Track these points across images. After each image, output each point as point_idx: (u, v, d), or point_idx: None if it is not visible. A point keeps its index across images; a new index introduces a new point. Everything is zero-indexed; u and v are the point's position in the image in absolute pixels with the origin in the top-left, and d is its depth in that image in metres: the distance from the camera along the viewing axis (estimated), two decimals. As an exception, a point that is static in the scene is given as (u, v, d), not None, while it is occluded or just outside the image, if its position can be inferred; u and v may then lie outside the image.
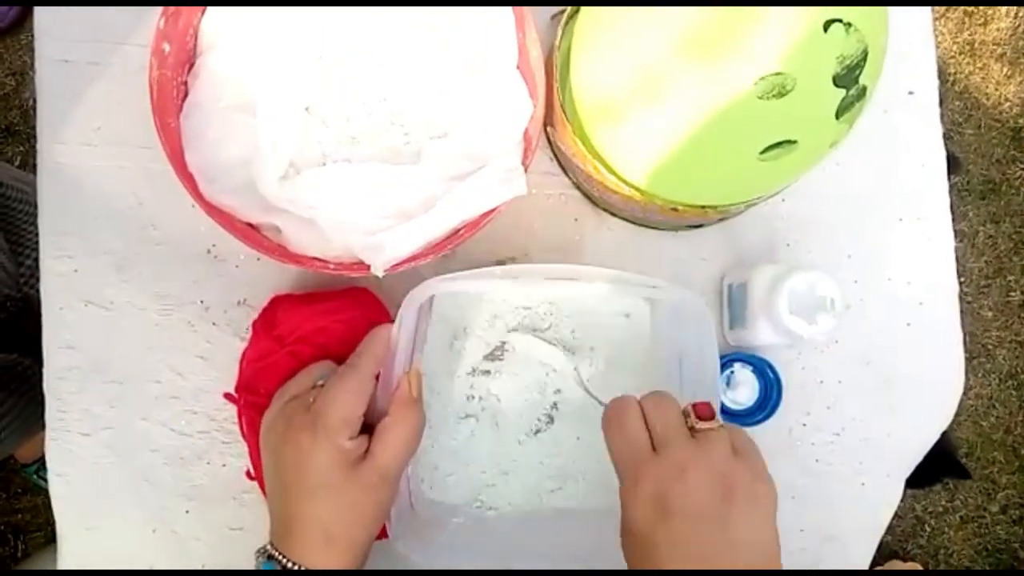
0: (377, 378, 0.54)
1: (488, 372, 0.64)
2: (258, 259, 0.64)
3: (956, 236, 0.69)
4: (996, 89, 1.63)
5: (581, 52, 0.53)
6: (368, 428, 0.53)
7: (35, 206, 0.65)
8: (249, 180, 0.56)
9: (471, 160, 0.58)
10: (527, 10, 0.57)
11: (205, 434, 0.64)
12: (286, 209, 0.55)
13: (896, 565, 1.46)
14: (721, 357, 0.65)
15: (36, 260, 1.09)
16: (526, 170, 0.57)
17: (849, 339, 0.68)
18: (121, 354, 0.64)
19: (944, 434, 0.69)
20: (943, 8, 1.63)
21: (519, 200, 0.56)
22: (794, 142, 0.48)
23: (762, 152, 0.49)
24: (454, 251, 0.57)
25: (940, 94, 0.70)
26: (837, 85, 0.47)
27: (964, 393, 0.70)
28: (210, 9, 0.58)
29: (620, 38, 0.51)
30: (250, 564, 0.61)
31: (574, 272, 0.57)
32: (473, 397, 0.64)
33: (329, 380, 0.53)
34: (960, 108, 1.62)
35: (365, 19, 0.59)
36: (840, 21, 0.46)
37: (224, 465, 0.64)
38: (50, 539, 1.40)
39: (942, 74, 0.70)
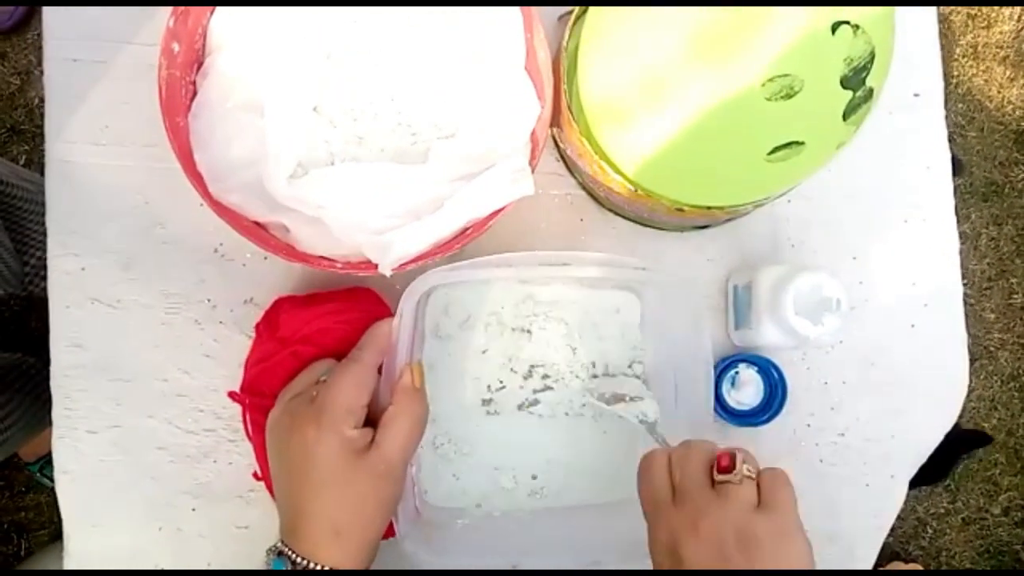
0: (379, 371, 0.55)
1: (491, 373, 0.65)
2: (265, 258, 0.64)
3: (959, 238, 0.69)
4: (999, 92, 1.63)
5: (588, 53, 0.53)
6: (371, 423, 0.53)
7: (40, 205, 0.65)
8: (257, 179, 0.56)
9: (478, 160, 0.58)
10: (535, 11, 0.57)
11: (211, 432, 0.64)
12: (294, 208, 0.55)
13: (898, 566, 1.46)
14: (726, 358, 0.65)
15: (40, 259, 1.10)
16: (533, 170, 0.58)
17: (854, 340, 0.68)
18: (128, 352, 0.64)
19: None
20: (947, 10, 1.63)
21: (525, 200, 0.57)
22: (801, 143, 0.49)
23: (769, 153, 0.49)
24: (461, 250, 0.57)
25: (944, 96, 0.70)
26: (844, 87, 0.47)
27: (966, 395, 0.70)
28: (219, 9, 0.58)
29: (627, 40, 0.52)
30: (256, 562, 0.61)
31: (567, 258, 0.59)
32: (477, 394, 0.64)
33: (331, 373, 0.53)
34: (963, 110, 1.62)
35: (373, 19, 0.59)
36: (848, 23, 0.46)
37: (230, 463, 0.64)
38: (54, 537, 1.41)
39: (945, 76, 0.70)
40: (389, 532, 0.56)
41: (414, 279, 0.56)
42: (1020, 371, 1.57)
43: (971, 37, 1.64)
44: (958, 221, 0.70)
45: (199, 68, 0.59)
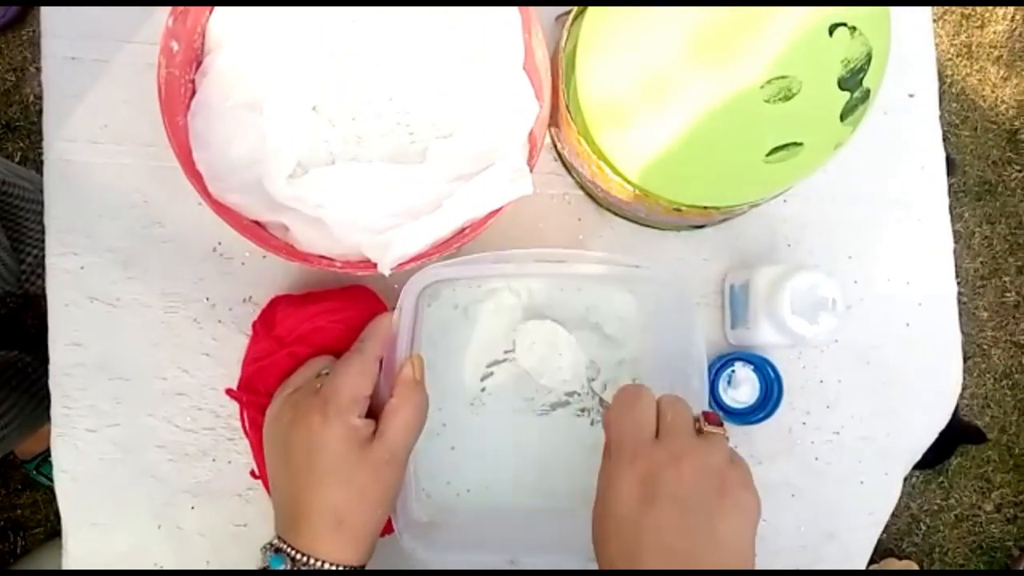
0: (380, 365, 0.55)
1: (489, 368, 0.65)
2: (264, 257, 0.65)
3: (952, 237, 0.70)
4: (992, 91, 1.64)
5: (586, 53, 0.54)
6: (371, 416, 0.54)
7: (36, 203, 0.66)
8: (256, 179, 0.56)
9: (477, 160, 0.58)
10: (533, 11, 0.57)
11: (210, 430, 0.64)
12: (293, 208, 0.56)
13: (892, 564, 1.47)
14: (722, 356, 0.66)
15: (37, 257, 1.10)
16: (532, 170, 0.58)
17: (849, 339, 0.68)
18: (127, 351, 0.64)
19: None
20: (941, 10, 1.64)
21: (523, 200, 0.57)
22: (799, 144, 0.49)
23: (768, 154, 0.49)
24: (459, 250, 0.57)
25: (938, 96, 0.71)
26: (842, 88, 0.48)
27: (959, 393, 0.71)
28: (219, 8, 0.59)
29: (626, 40, 0.52)
30: (255, 560, 0.61)
31: (563, 255, 0.60)
32: (472, 391, 0.65)
33: (336, 364, 0.54)
34: (957, 110, 1.63)
35: (372, 19, 0.59)
36: (845, 25, 0.46)
37: (229, 461, 0.64)
38: (50, 535, 1.41)
39: (939, 76, 0.71)
40: (387, 529, 0.57)
41: (407, 276, 0.56)
42: (1013, 369, 1.58)
43: (965, 37, 1.64)
44: (951, 220, 0.70)
45: (198, 67, 0.59)
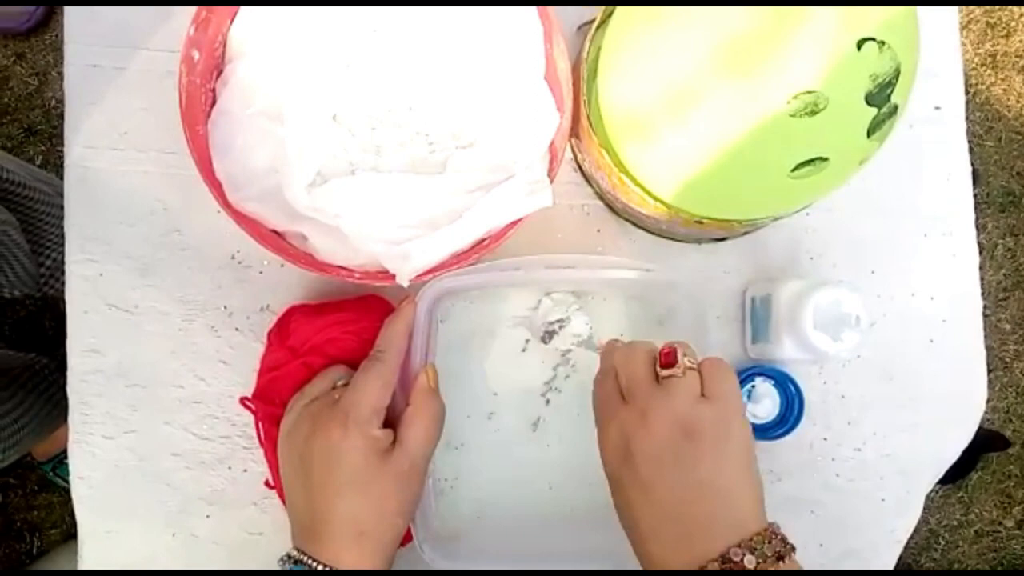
0: None
1: (501, 377, 0.65)
2: (282, 265, 0.64)
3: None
4: (1018, 101, 1.62)
5: (609, 64, 0.53)
6: (386, 425, 0.54)
7: (56, 207, 0.66)
8: (276, 188, 0.56)
9: (496, 171, 0.58)
10: (555, 21, 0.57)
11: (226, 439, 0.64)
12: (312, 217, 0.55)
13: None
14: (742, 371, 0.65)
15: (56, 260, 1.10)
16: (552, 182, 0.58)
17: (872, 354, 0.67)
18: (144, 358, 0.64)
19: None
20: (965, 19, 1.62)
21: (542, 211, 0.57)
22: (825, 159, 0.48)
23: (793, 170, 0.48)
24: (478, 261, 0.57)
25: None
26: (869, 103, 0.47)
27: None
28: (239, 17, 0.59)
29: (649, 51, 0.51)
30: (269, 570, 0.61)
31: (574, 261, 0.60)
32: (487, 401, 0.64)
33: (355, 375, 0.54)
34: (981, 120, 1.61)
35: (392, 28, 0.59)
36: (874, 40, 0.46)
37: (245, 470, 0.64)
38: (66, 536, 1.41)
39: (963, 86, 0.70)
40: (405, 539, 0.57)
41: (421, 287, 0.56)
42: (1035, 382, 1.56)
43: (989, 46, 1.63)
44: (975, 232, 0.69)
45: (219, 76, 0.59)
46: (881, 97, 0.47)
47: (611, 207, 0.66)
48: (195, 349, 0.64)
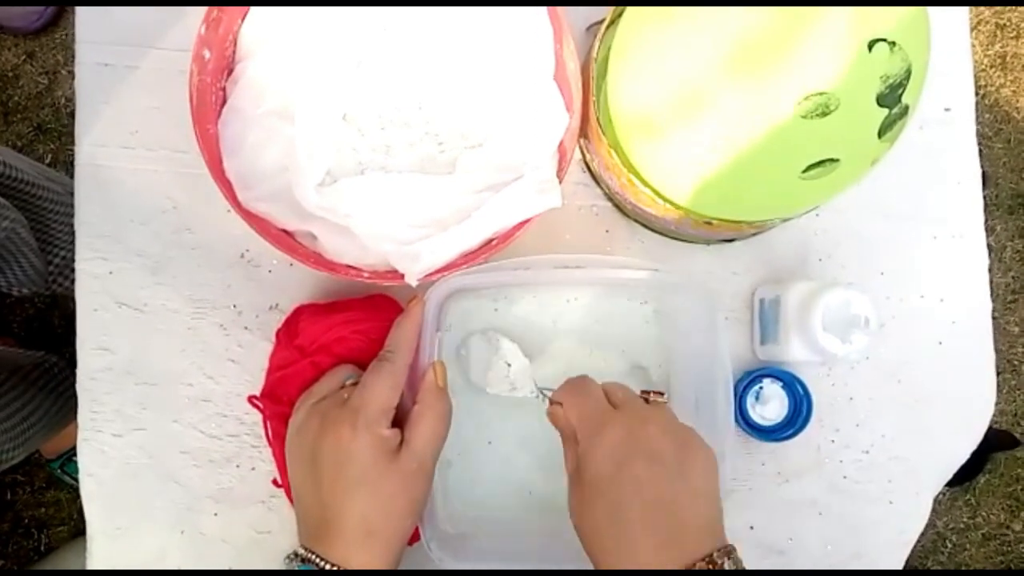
0: None
1: (507, 378, 0.64)
2: (291, 264, 0.65)
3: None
4: (1027, 103, 1.62)
5: (619, 65, 0.53)
6: (394, 424, 0.54)
7: (65, 205, 0.66)
8: (286, 187, 0.56)
9: (505, 171, 0.58)
10: (565, 21, 0.57)
11: (235, 437, 0.64)
12: (322, 217, 0.56)
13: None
14: (750, 372, 0.65)
15: (65, 258, 1.11)
16: (561, 182, 0.58)
17: (880, 356, 0.67)
18: (154, 356, 0.64)
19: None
20: (975, 21, 1.62)
21: (551, 211, 0.57)
22: (836, 161, 0.48)
23: (804, 171, 0.48)
24: (486, 261, 0.57)
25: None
26: (880, 104, 0.47)
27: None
28: (251, 16, 0.59)
29: (659, 51, 0.51)
30: (276, 568, 0.61)
31: (582, 260, 0.60)
32: (494, 401, 0.64)
33: (365, 375, 0.54)
34: (990, 121, 1.60)
35: (402, 28, 0.59)
36: (885, 40, 0.45)
37: (253, 468, 0.64)
38: (73, 534, 1.42)
39: (973, 87, 0.70)
40: (413, 538, 0.57)
41: (429, 287, 0.57)
42: (1044, 385, 1.55)
43: (999, 47, 1.62)
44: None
45: (229, 75, 0.59)
46: (892, 98, 0.47)
47: (620, 208, 0.66)
48: (204, 347, 0.64)
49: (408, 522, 0.53)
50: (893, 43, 0.46)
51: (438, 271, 0.56)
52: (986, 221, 0.69)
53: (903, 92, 0.47)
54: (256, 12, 0.59)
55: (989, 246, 0.68)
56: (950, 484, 0.69)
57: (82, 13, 0.66)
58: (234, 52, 0.60)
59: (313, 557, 0.50)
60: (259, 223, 0.56)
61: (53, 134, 1.47)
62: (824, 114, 0.46)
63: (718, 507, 0.49)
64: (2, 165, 0.95)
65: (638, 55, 0.52)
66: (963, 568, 1.55)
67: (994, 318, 0.69)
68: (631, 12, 0.52)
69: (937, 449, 0.68)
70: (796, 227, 0.67)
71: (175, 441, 0.64)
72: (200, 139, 0.55)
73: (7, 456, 0.99)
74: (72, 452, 1.32)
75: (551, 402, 0.54)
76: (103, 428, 0.64)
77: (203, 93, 0.56)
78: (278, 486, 0.63)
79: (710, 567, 0.45)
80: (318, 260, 0.56)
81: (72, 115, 0.65)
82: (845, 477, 0.67)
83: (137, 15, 0.65)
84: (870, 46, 0.45)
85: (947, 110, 0.69)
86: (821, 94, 0.46)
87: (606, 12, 0.57)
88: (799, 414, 0.64)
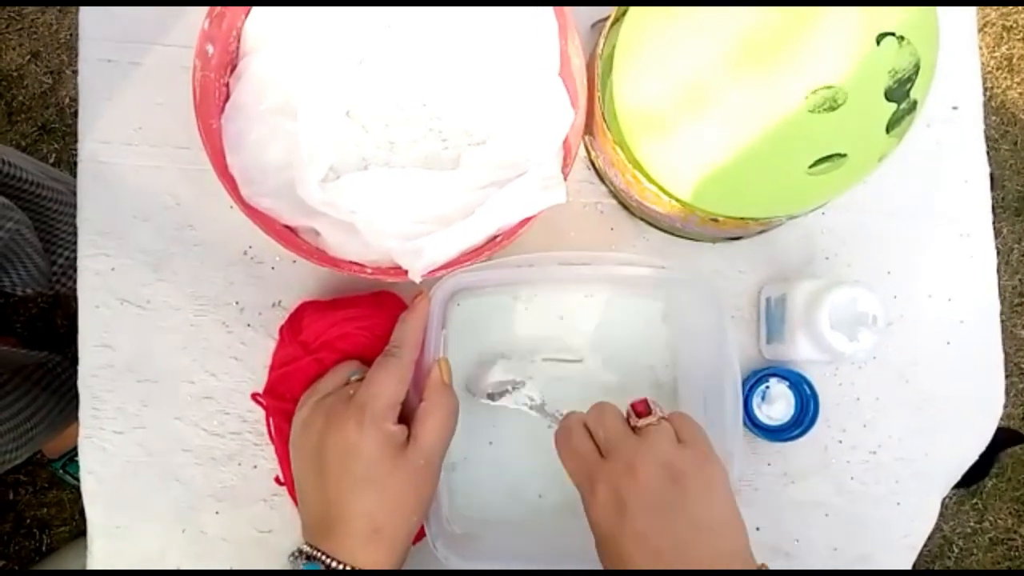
0: None
1: (512, 376, 0.64)
2: (294, 261, 0.64)
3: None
4: (1034, 105, 1.61)
5: (624, 60, 0.53)
6: (401, 421, 0.53)
7: (69, 205, 0.66)
8: (289, 183, 0.56)
9: (510, 167, 0.58)
10: (570, 17, 0.57)
11: (237, 435, 0.64)
12: (325, 213, 0.55)
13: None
14: (757, 371, 0.64)
15: (68, 258, 1.11)
16: (565, 178, 0.57)
17: (888, 356, 0.67)
18: (156, 353, 0.64)
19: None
20: (982, 22, 1.61)
21: (555, 208, 0.56)
22: (843, 156, 0.48)
23: (811, 166, 0.48)
24: (490, 257, 0.57)
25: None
26: (889, 99, 0.46)
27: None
28: (254, 12, 0.58)
29: (665, 47, 0.51)
30: (278, 567, 0.61)
31: (587, 257, 0.60)
32: (498, 400, 0.64)
33: (371, 370, 0.54)
34: (997, 123, 1.59)
35: (406, 24, 0.59)
36: (893, 34, 0.45)
37: (255, 467, 0.64)
38: (75, 534, 1.41)
39: (981, 85, 0.69)
40: (418, 535, 0.56)
41: (432, 283, 0.56)
42: (1052, 390, 1.54)
43: (1006, 49, 1.61)
44: (991, 236, 0.68)
45: (233, 70, 0.59)
46: (900, 93, 0.47)
47: (625, 205, 0.65)
48: (206, 345, 0.64)
49: (415, 519, 0.52)
50: (902, 37, 0.45)
51: (442, 267, 0.55)
52: (993, 223, 0.68)
53: (911, 87, 0.47)
54: (260, 8, 0.59)
55: (996, 249, 0.68)
56: (958, 486, 0.68)
57: (86, 9, 0.65)
58: (238, 48, 0.59)
59: (318, 555, 0.49)
60: (262, 219, 0.56)
61: (57, 134, 1.47)
62: (832, 108, 0.46)
63: (734, 531, 0.47)
64: (6, 165, 0.95)
65: (644, 51, 0.52)
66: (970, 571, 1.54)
67: (1001, 321, 0.68)
68: (636, 8, 0.51)
69: (945, 450, 0.67)
70: (802, 225, 0.66)
71: (176, 439, 0.64)
72: (203, 134, 0.55)
73: (9, 456, 0.98)
74: (74, 452, 1.32)
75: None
76: (104, 426, 0.63)
77: (206, 88, 0.56)
78: (280, 484, 0.62)
79: None
80: (321, 256, 0.56)
81: (76, 115, 0.65)
82: (852, 478, 0.66)
83: (140, 11, 0.65)
84: (878, 40, 0.45)
85: (954, 108, 0.68)
86: (829, 88, 0.45)
87: (611, 10, 0.56)
88: (806, 414, 0.64)
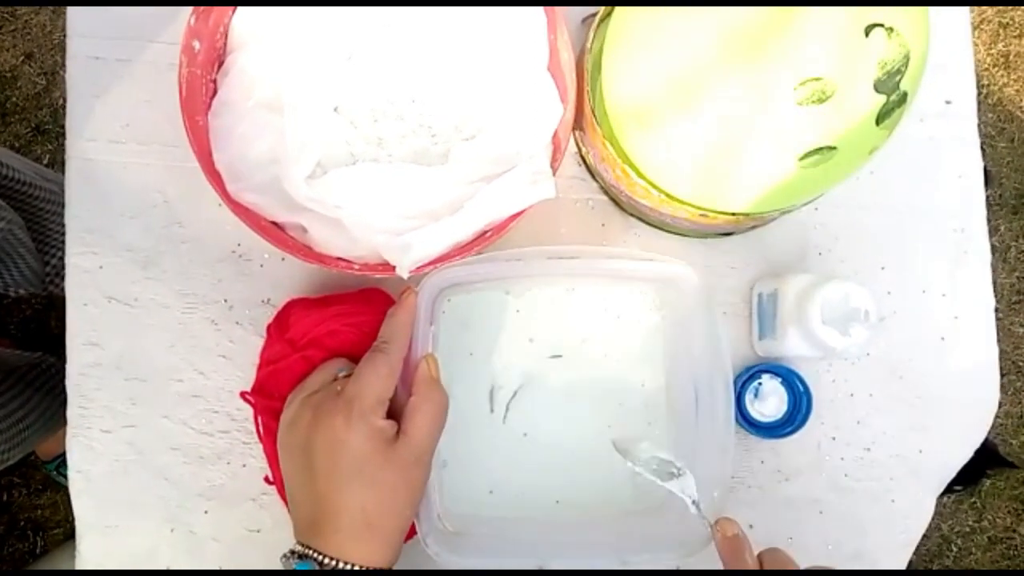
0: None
1: (503, 374, 0.64)
2: (283, 259, 0.64)
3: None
4: (1031, 102, 1.61)
5: (613, 55, 0.52)
6: (389, 417, 0.53)
7: (62, 205, 0.65)
8: (276, 179, 0.55)
9: (499, 163, 0.57)
10: (559, 12, 0.56)
11: (226, 434, 0.63)
12: (312, 209, 0.55)
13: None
14: (749, 368, 0.64)
15: (61, 259, 1.10)
16: (554, 173, 0.57)
17: (881, 352, 0.66)
18: (144, 352, 0.63)
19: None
20: (978, 19, 1.61)
21: (545, 204, 0.56)
22: (833, 148, 0.47)
23: (800, 159, 0.47)
24: (479, 253, 0.56)
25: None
26: (878, 91, 0.46)
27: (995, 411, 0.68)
28: (241, 8, 0.58)
29: (654, 41, 0.51)
30: (269, 567, 0.60)
31: (576, 251, 0.60)
32: (488, 398, 0.64)
33: (359, 366, 0.53)
34: (993, 121, 1.59)
35: (395, 19, 0.59)
36: (882, 26, 0.45)
37: (244, 465, 0.63)
38: (69, 536, 1.41)
39: (976, 86, 0.69)
40: (410, 532, 0.56)
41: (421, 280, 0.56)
42: (1050, 388, 1.54)
43: (1002, 46, 1.61)
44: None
45: (220, 67, 0.59)
46: (890, 84, 0.46)
47: (615, 201, 0.65)
48: (195, 343, 0.64)
49: (407, 513, 0.52)
50: (891, 28, 0.45)
51: (430, 263, 0.55)
52: (990, 221, 0.68)
53: (901, 79, 0.47)
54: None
55: (993, 246, 0.68)
56: (954, 484, 0.68)
57: (74, 7, 0.65)
58: (225, 44, 0.59)
59: (311, 552, 0.49)
60: (249, 216, 0.55)
61: (51, 135, 1.47)
62: (820, 100, 0.45)
63: None
64: (-1, 165, 0.95)
65: (633, 46, 0.51)
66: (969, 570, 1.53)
67: (998, 319, 0.68)
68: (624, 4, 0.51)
69: (940, 446, 0.67)
70: (794, 221, 0.66)
71: (165, 437, 0.63)
72: (189, 130, 0.54)
73: (3, 457, 0.98)
74: (69, 454, 1.31)
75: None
76: (92, 424, 0.63)
77: (193, 85, 0.56)
78: (270, 483, 0.62)
79: None
80: (308, 253, 0.56)
81: (67, 113, 0.65)
82: (846, 475, 0.66)
83: (129, 8, 0.65)
84: (867, 31, 0.45)
85: (948, 103, 0.68)
86: (817, 80, 0.45)
87: (600, 7, 0.56)
88: (799, 411, 0.63)
